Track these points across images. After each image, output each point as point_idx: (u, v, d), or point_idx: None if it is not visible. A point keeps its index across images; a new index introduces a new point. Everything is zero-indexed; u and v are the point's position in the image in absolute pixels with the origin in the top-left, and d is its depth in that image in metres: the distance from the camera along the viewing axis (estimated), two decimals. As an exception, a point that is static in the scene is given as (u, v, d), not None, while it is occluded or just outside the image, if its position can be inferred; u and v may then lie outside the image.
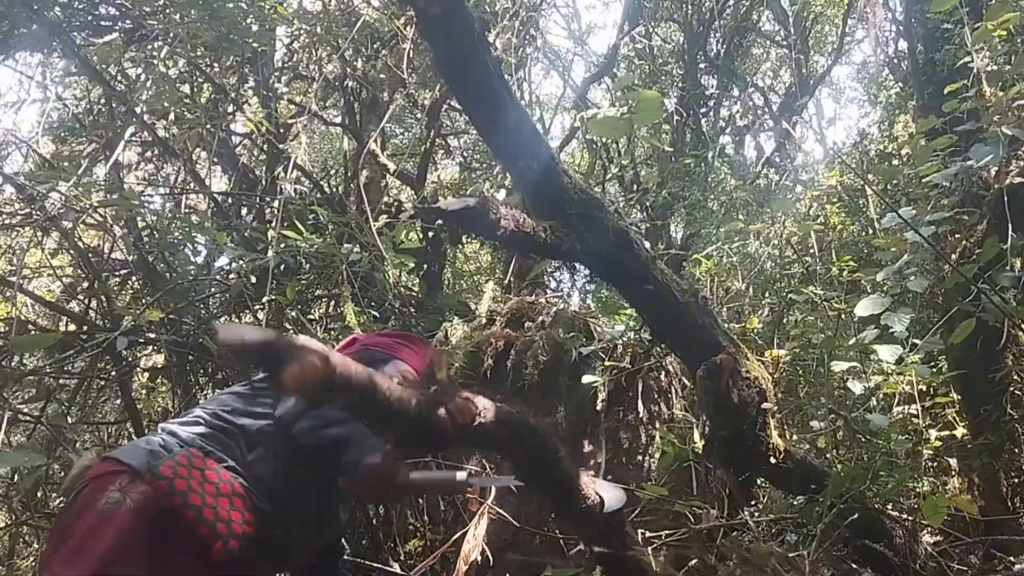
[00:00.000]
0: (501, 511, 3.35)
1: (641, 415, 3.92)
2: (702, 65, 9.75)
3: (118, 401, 5.14)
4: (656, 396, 4.06)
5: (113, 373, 4.45)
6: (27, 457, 2.36)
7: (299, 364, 1.23)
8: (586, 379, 3.75)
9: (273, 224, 5.36)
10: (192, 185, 6.38)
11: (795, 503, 2.70)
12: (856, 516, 2.24)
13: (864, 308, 2.79)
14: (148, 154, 6.67)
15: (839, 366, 2.96)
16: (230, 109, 6.08)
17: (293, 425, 1.64)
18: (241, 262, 4.26)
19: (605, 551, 1.95)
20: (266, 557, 1.67)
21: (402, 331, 2.36)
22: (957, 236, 3.51)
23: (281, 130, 6.55)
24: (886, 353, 2.71)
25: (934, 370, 3.30)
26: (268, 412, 1.73)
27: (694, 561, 2.51)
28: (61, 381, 4.65)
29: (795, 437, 3.49)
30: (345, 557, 2.05)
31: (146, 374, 5.45)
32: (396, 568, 3.48)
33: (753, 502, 2.86)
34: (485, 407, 1.55)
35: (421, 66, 6.76)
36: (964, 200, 3.47)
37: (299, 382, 1.23)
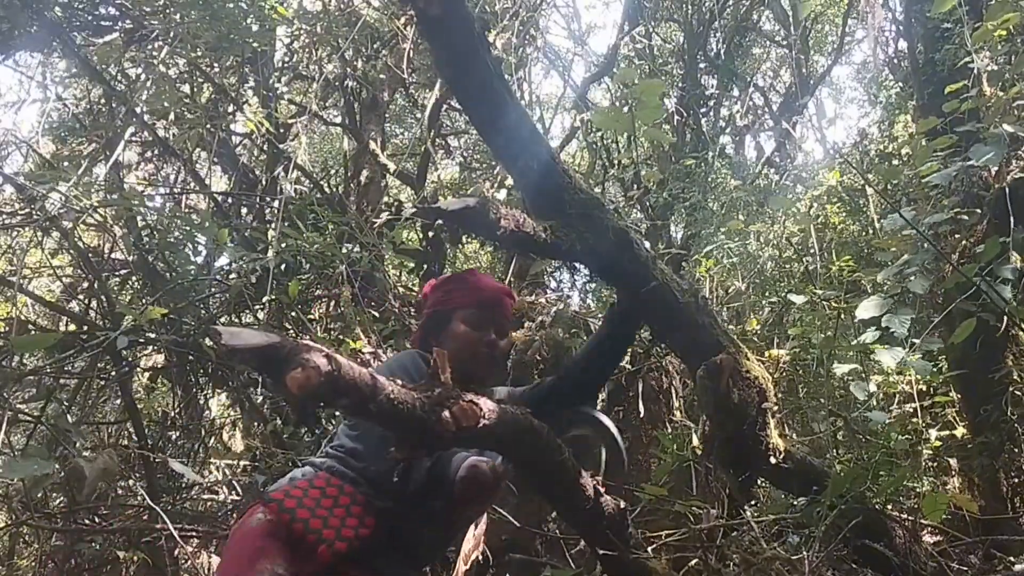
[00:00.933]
0: (501, 511, 3.35)
1: (641, 415, 3.92)
2: (702, 65, 9.75)
3: (118, 401, 5.14)
4: (656, 396, 4.07)
5: (113, 373, 4.45)
6: (36, 465, 2.34)
7: (302, 368, 1.22)
8: (586, 379, 3.74)
9: (273, 224, 5.36)
10: (192, 185, 6.38)
11: (795, 503, 2.70)
12: (858, 518, 2.23)
13: (865, 310, 2.79)
14: (148, 154, 6.68)
15: (841, 369, 2.96)
16: (230, 109, 6.08)
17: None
18: (241, 262, 4.26)
19: (608, 553, 1.94)
20: (392, 554, 1.82)
21: (437, 281, 2.33)
22: (957, 236, 3.51)
23: (281, 130, 6.55)
24: (887, 357, 2.71)
25: (934, 369, 3.30)
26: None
27: (694, 562, 2.51)
28: (61, 381, 4.65)
29: (795, 437, 3.49)
30: None
31: (146, 374, 5.45)
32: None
33: (753, 502, 2.86)
34: (489, 409, 1.54)
35: (421, 66, 6.76)
36: (964, 200, 3.47)
37: (302, 386, 1.22)
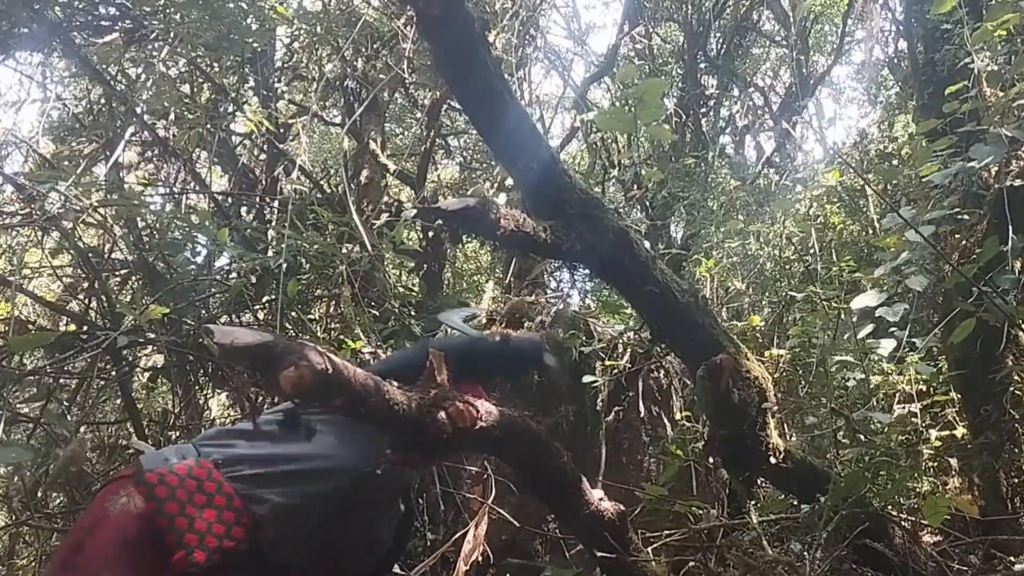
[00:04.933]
0: (501, 511, 3.35)
1: (641, 415, 3.92)
2: (702, 65, 9.75)
3: (118, 401, 5.14)
4: (656, 396, 4.07)
5: (113, 373, 4.45)
6: (14, 453, 2.35)
7: (296, 367, 1.21)
8: (586, 379, 3.75)
9: (273, 224, 5.36)
10: (192, 185, 6.38)
11: (795, 503, 2.70)
12: (859, 521, 2.23)
13: (860, 302, 2.78)
14: (148, 154, 6.68)
15: (835, 359, 2.96)
16: (230, 109, 6.08)
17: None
18: (241, 262, 4.26)
19: (607, 556, 1.94)
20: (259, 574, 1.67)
21: None
22: (957, 236, 3.51)
23: (281, 130, 6.55)
24: (882, 348, 2.71)
25: (934, 369, 3.29)
26: (288, 436, 1.74)
27: (692, 564, 2.51)
28: (61, 381, 4.65)
29: (795, 437, 3.49)
30: None
31: (146, 374, 5.45)
32: (396, 568, 3.48)
33: (753, 502, 2.86)
34: (487, 411, 1.53)
35: (421, 66, 6.76)
36: (964, 200, 3.47)
37: (295, 385, 1.21)
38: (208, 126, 5.23)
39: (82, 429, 4.69)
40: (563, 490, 1.84)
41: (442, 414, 1.45)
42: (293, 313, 4.73)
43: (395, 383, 1.46)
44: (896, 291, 3.11)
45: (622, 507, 2.01)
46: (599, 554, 1.95)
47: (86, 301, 5.17)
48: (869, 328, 2.85)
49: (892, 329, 2.80)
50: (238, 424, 1.90)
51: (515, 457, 1.76)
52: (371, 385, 1.35)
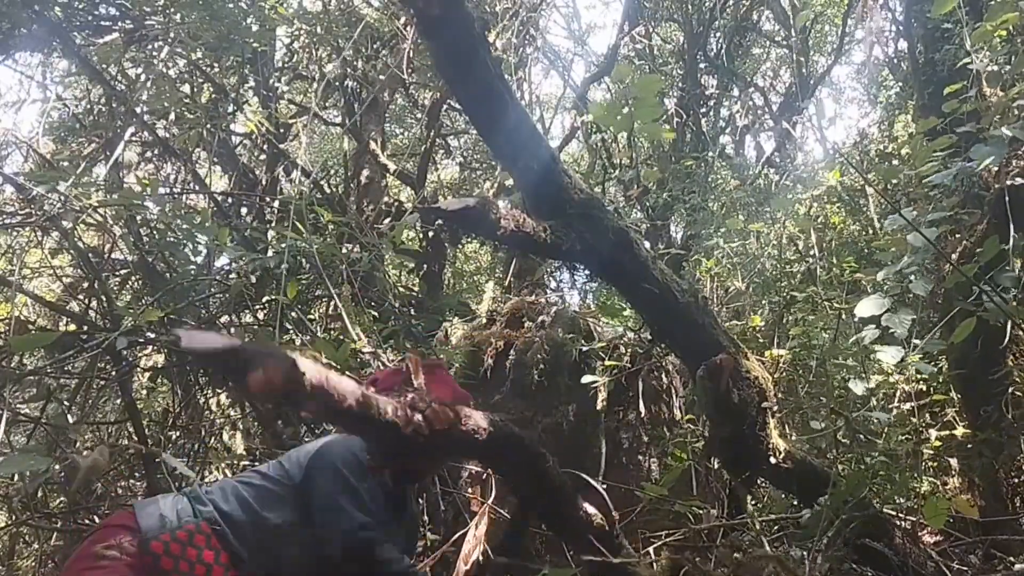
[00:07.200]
0: (501, 511, 3.35)
1: (641, 415, 3.92)
2: (702, 65, 9.76)
3: (118, 401, 5.14)
4: (656, 396, 4.06)
5: (113, 373, 4.45)
6: (32, 461, 2.34)
7: (264, 370, 1.19)
8: (586, 379, 3.75)
9: (273, 224, 5.36)
10: (192, 185, 6.38)
11: (795, 503, 2.69)
12: (860, 522, 2.23)
13: (865, 309, 2.78)
14: (148, 154, 6.68)
15: (839, 365, 2.95)
16: (230, 109, 6.08)
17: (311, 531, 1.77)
18: (241, 262, 4.26)
19: (594, 559, 1.92)
20: None
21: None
22: (957, 236, 3.51)
23: (281, 130, 6.55)
24: (887, 355, 2.70)
25: (934, 369, 3.29)
26: (286, 503, 1.83)
27: (688, 566, 2.51)
28: (61, 381, 4.65)
29: (795, 437, 3.49)
30: None
31: (146, 374, 5.44)
32: (396, 568, 3.47)
33: (753, 501, 2.86)
34: (466, 414, 1.50)
35: (421, 66, 6.76)
36: (964, 200, 3.47)
37: (265, 388, 1.18)
38: (208, 126, 5.23)
39: (82, 429, 4.68)
40: (550, 495, 1.81)
41: (418, 416, 1.41)
42: (293, 313, 4.73)
43: (371, 388, 1.43)
44: (899, 295, 3.11)
45: (613, 512, 1.98)
46: (586, 557, 1.93)
47: (86, 301, 5.17)
48: (874, 334, 2.83)
49: (891, 330, 2.79)
50: (239, 476, 1.97)
51: (501, 463, 1.73)
52: (345, 388, 1.32)
